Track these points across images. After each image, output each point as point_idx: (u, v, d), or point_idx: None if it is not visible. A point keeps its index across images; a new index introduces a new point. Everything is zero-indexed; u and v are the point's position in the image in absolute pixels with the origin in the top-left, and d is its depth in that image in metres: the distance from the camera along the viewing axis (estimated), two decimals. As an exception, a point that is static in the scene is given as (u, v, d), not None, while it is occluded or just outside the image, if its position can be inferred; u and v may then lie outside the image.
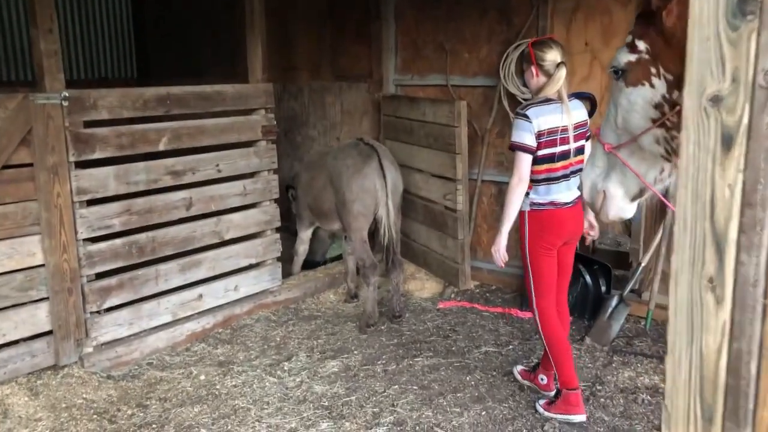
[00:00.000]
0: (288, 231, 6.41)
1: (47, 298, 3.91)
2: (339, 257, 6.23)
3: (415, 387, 3.95)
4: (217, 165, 4.71)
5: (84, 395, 3.85)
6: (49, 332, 3.95)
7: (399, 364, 4.26)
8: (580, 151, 3.48)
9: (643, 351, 4.40)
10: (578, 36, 5.05)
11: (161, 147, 4.36)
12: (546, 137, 3.36)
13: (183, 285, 4.62)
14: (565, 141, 3.39)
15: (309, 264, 6.13)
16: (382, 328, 4.85)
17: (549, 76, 3.39)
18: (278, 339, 4.69)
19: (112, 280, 4.22)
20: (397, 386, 3.97)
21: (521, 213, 3.48)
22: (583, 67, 5.07)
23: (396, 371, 4.17)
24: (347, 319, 5.06)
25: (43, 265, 3.87)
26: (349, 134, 6.50)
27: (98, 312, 4.16)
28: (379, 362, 4.29)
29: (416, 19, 5.83)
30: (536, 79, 3.44)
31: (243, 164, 4.89)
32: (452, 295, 5.47)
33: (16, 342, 3.84)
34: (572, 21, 5.07)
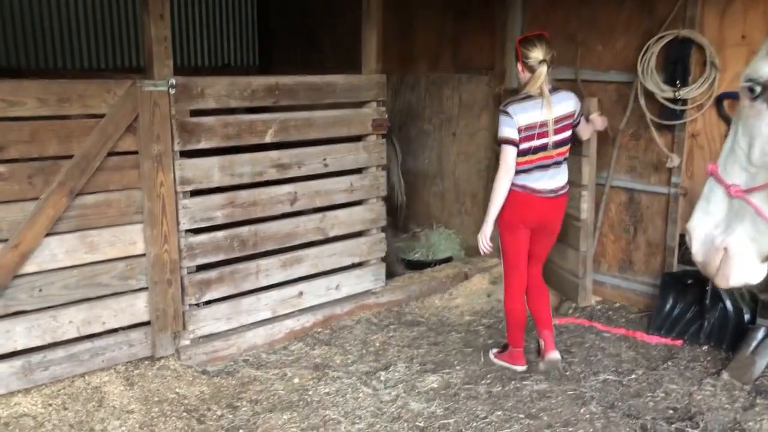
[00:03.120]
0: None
1: (146, 288, 3.86)
2: (448, 259, 5.92)
3: (521, 415, 3.56)
4: (324, 159, 4.51)
5: (177, 389, 3.77)
6: (147, 323, 3.91)
7: (505, 386, 3.88)
8: (563, 143, 3.78)
9: (795, 395, 3.78)
10: (733, 27, 4.42)
11: (267, 139, 4.21)
12: (524, 132, 3.66)
13: (284, 281, 4.47)
14: (543, 135, 3.69)
15: (414, 265, 5.86)
16: (489, 341, 4.49)
17: (533, 72, 3.67)
18: (377, 344, 4.45)
19: (212, 273, 4.12)
20: (500, 412, 3.60)
21: None
22: (737, 64, 4.42)
23: (501, 394, 3.80)
24: (451, 328, 4.73)
25: (143, 255, 3.82)
26: (467, 130, 6.14)
27: (197, 305, 4.08)
28: (482, 382, 3.94)
29: (545, 7, 5.36)
30: (522, 74, 3.77)
31: (351, 159, 4.66)
32: (570, 311, 5.00)
33: (115, 330, 3.82)
34: (727, 9, 4.44)
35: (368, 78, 4.67)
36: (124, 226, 3.74)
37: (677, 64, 4.58)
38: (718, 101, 4.52)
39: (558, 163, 3.79)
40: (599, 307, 5.13)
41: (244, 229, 4.22)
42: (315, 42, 7.57)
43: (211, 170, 4.00)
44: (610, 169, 5.04)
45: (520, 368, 4.08)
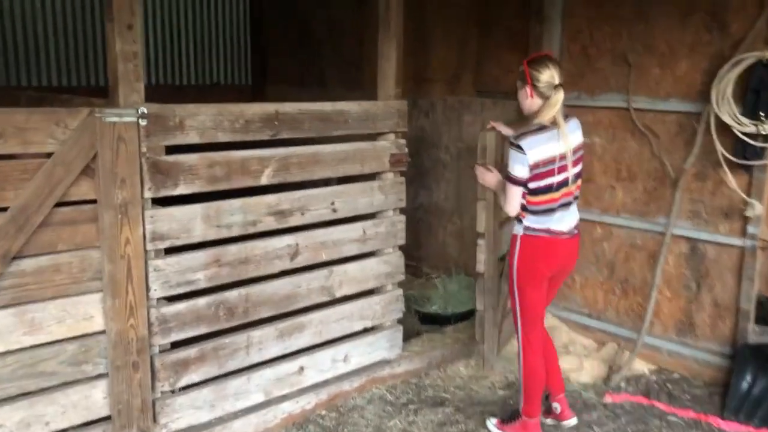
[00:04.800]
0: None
1: (106, 375, 2.99)
2: (470, 313, 5.08)
3: None
4: (333, 203, 3.68)
5: None
6: (107, 418, 3.04)
7: (566, 503, 3.05)
8: (580, 175, 3.36)
9: None
10: (830, 49, 3.66)
11: (264, 180, 3.37)
12: (542, 168, 3.18)
13: (281, 355, 3.62)
14: (563, 169, 3.23)
15: (432, 319, 5.03)
16: (533, 429, 3.65)
17: (544, 98, 3.20)
18: (396, 434, 3.60)
19: (191, 351, 3.26)
20: None
21: (514, 237, 3.35)
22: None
23: None
24: (483, 408, 3.88)
25: (103, 332, 2.96)
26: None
27: (171, 391, 3.22)
28: (536, 495, 3.10)
29: (590, 21, 4.57)
30: (530, 100, 3.26)
31: (364, 202, 3.84)
32: (622, 384, 4.18)
33: None
34: (824, 27, 3.68)
35: (386, 105, 3.85)
36: (77, 297, 2.87)
37: (760, 93, 3.80)
38: (810, 138, 3.76)
39: (576, 198, 3.40)
40: (655, 377, 4.30)
41: (233, 293, 3.37)
42: (314, 57, 6.75)
43: (191, 221, 3.15)
44: (671, 215, 4.24)
45: None
